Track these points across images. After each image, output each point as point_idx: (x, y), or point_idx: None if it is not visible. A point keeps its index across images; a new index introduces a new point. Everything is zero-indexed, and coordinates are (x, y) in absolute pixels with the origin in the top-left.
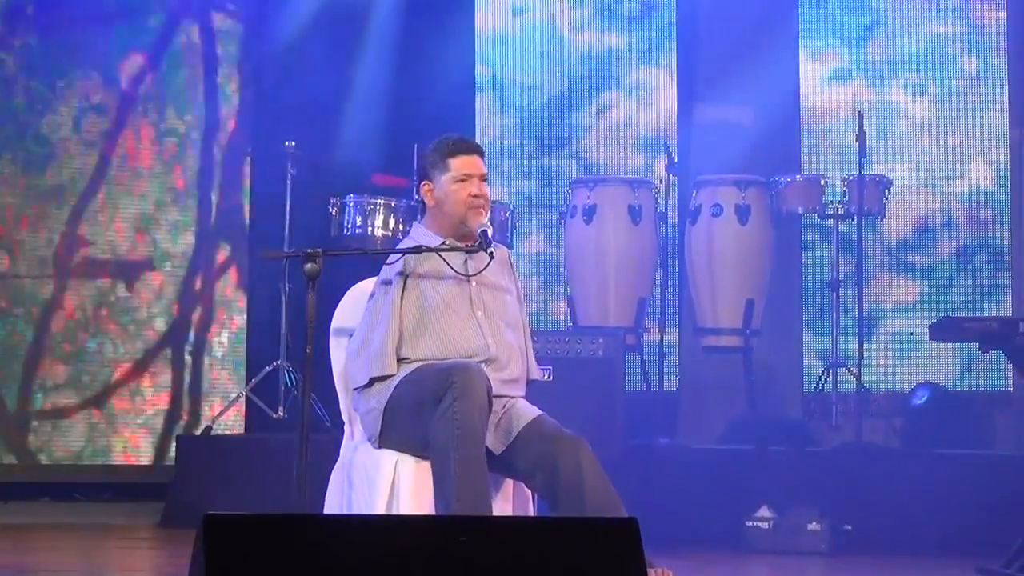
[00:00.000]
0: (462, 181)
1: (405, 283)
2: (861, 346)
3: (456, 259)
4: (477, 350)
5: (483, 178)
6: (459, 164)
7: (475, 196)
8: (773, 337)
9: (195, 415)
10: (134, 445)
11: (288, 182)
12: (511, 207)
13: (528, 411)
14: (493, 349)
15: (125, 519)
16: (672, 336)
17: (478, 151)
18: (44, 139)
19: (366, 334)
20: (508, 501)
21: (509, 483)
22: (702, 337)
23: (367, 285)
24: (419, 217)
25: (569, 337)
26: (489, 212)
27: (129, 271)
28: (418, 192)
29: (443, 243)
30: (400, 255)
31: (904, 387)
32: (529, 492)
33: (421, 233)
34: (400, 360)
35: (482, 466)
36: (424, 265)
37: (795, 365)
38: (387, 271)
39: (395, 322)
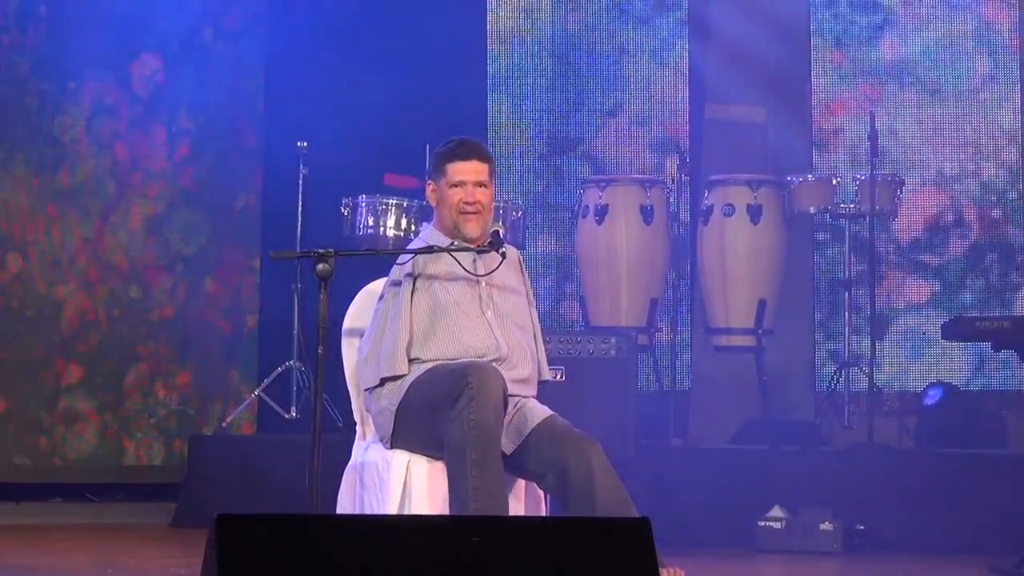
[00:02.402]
0: (456, 186)
1: (415, 284)
2: (873, 346)
3: (466, 259)
4: (487, 349)
5: (479, 184)
6: (454, 170)
7: (467, 203)
8: (785, 337)
9: (207, 415)
10: (146, 446)
11: (300, 182)
12: (523, 207)
13: (539, 411)
14: (504, 348)
15: (137, 519)
16: (684, 336)
17: (478, 156)
18: (56, 140)
19: (377, 335)
20: (520, 501)
21: (521, 483)
22: (714, 337)
23: (379, 285)
24: (428, 218)
25: (581, 337)
26: (489, 217)
27: (141, 272)
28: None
29: (452, 243)
30: (410, 256)
31: (916, 387)
32: (541, 492)
33: (431, 234)
34: (411, 361)
35: (498, 466)
36: (434, 266)
37: (807, 365)
38: (397, 271)
39: (406, 322)
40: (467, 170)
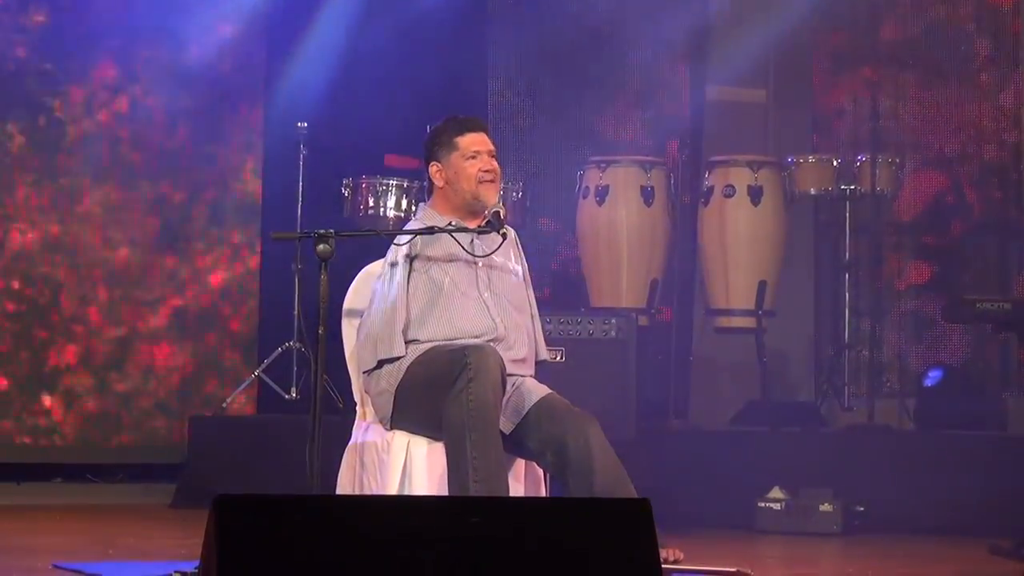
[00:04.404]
0: (472, 158)
1: (412, 264)
2: (873, 327)
3: (464, 240)
4: (485, 330)
5: (492, 153)
6: (467, 141)
7: (486, 171)
8: (785, 318)
9: (207, 396)
10: (147, 426)
11: (301, 163)
12: (523, 187)
13: (537, 389)
14: (500, 328)
15: (138, 500)
16: (685, 317)
17: (484, 128)
18: (57, 121)
19: (374, 316)
20: (520, 481)
21: (521, 463)
22: (714, 318)
23: (379, 266)
24: (426, 199)
25: (582, 318)
26: (501, 187)
27: (141, 252)
28: (427, 174)
29: (451, 223)
30: (408, 236)
31: (916, 368)
32: (541, 472)
33: (429, 215)
34: (409, 342)
35: (499, 446)
36: (431, 246)
37: (807, 346)
38: (394, 252)
39: (402, 304)
40: (480, 140)
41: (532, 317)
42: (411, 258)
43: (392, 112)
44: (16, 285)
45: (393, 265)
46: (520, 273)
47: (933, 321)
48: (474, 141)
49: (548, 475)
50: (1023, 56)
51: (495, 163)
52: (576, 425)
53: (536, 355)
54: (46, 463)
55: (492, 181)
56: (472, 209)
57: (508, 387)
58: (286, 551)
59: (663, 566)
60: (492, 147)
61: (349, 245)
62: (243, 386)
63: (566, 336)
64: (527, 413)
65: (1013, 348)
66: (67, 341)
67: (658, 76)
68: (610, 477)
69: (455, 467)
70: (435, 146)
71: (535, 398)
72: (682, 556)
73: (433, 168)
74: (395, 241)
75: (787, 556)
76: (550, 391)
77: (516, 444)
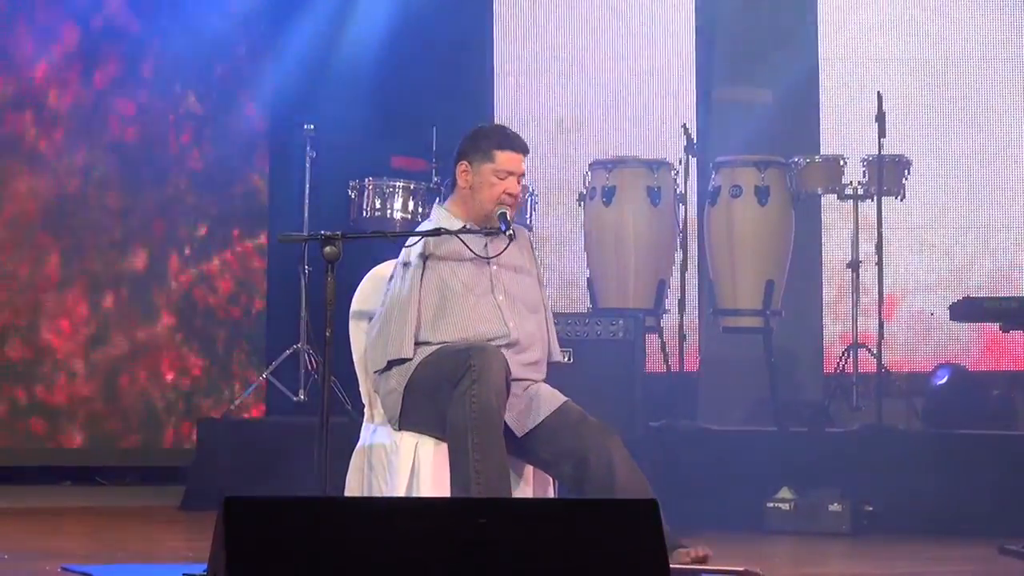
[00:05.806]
0: (502, 178)
1: (425, 265)
2: (881, 327)
3: (476, 241)
4: (498, 334)
5: (521, 177)
6: (504, 159)
7: (510, 194)
8: (793, 318)
9: (215, 398)
10: (155, 428)
11: (307, 165)
12: (531, 189)
13: (554, 398)
14: (514, 333)
15: (146, 502)
16: (692, 317)
17: (525, 151)
18: (61, 119)
19: (385, 317)
20: (529, 485)
21: (530, 467)
22: (722, 318)
23: (386, 268)
24: (440, 199)
25: (589, 319)
26: (515, 213)
27: (148, 254)
28: (453, 169)
29: (464, 227)
30: (420, 237)
31: (925, 368)
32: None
33: (442, 215)
34: (421, 343)
35: (501, 448)
36: (444, 247)
37: (815, 346)
38: (407, 253)
39: (414, 305)
40: (517, 162)
41: (546, 318)
42: (424, 257)
43: (399, 114)
44: (23, 287)
45: (406, 264)
46: (534, 273)
47: (941, 320)
48: (511, 161)
49: (561, 484)
50: None
51: (519, 187)
52: (597, 440)
53: (549, 356)
54: (55, 466)
55: (511, 205)
56: (483, 220)
57: (520, 391)
58: (294, 553)
59: (691, 565)
60: (523, 170)
61: (356, 247)
62: (251, 388)
63: (573, 337)
64: (543, 422)
65: (1021, 346)
66: (75, 343)
67: (664, 76)
68: (634, 494)
69: (457, 469)
70: (472, 147)
71: (552, 407)
72: (711, 553)
73: (461, 166)
74: (407, 242)
75: (796, 556)
76: (566, 399)
77: (527, 450)
